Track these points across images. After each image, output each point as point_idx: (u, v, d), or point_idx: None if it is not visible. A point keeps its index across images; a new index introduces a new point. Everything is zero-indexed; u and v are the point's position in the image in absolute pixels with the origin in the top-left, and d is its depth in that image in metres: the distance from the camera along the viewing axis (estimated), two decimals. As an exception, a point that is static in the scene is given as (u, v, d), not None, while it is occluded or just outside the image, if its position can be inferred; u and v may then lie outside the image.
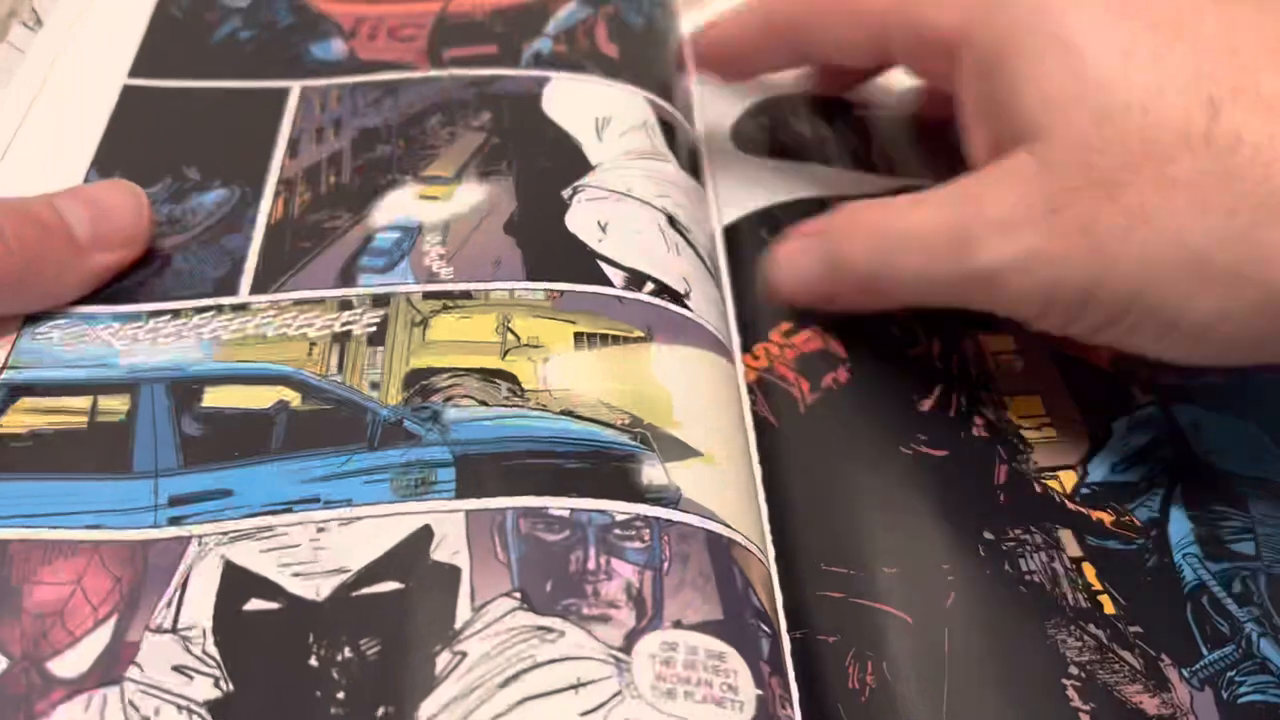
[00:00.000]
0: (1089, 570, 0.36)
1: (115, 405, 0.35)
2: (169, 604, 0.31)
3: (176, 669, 0.30)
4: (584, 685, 0.29)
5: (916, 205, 0.37)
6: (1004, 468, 0.38)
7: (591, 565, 0.31)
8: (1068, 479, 0.38)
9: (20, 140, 0.43)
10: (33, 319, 0.37)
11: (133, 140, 0.43)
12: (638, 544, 0.32)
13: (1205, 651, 0.35)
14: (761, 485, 0.38)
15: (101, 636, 0.30)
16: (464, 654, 0.29)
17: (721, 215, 0.46)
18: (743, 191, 0.47)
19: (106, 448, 0.34)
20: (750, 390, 0.40)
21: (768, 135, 0.49)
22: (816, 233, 0.40)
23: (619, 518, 0.32)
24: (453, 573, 0.31)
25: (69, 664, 0.30)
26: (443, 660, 0.29)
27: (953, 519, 0.37)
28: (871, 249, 0.38)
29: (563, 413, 0.35)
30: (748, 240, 0.45)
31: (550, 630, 0.30)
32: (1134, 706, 0.33)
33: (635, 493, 0.33)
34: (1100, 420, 0.40)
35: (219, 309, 0.38)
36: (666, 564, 0.32)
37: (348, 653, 0.30)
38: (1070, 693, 0.33)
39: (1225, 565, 0.36)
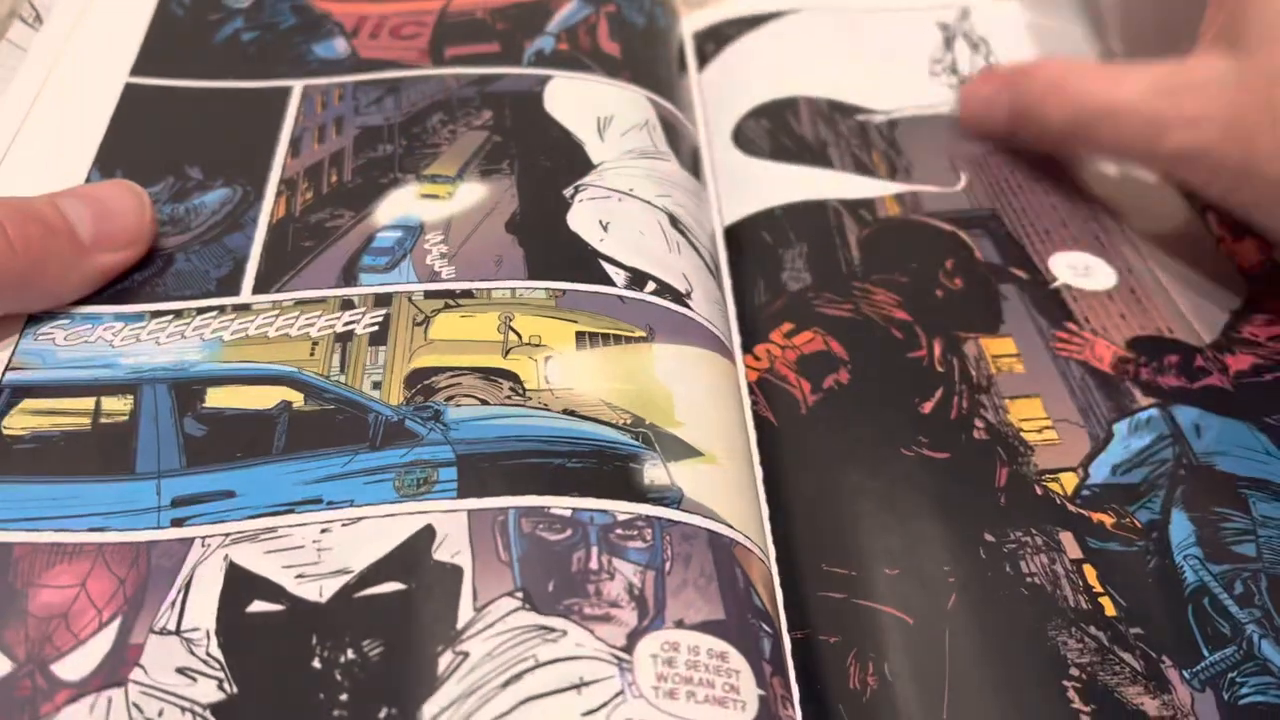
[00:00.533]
0: (1090, 572, 0.36)
1: (117, 406, 0.35)
2: (172, 605, 0.31)
3: (180, 671, 0.29)
4: (586, 685, 0.29)
5: (1117, 83, 0.44)
6: (1005, 470, 0.38)
7: (593, 565, 0.31)
8: (1069, 481, 0.38)
9: (22, 139, 0.43)
10: (35, 320, 0.37)
11: (135, 139, 0.43)
12: (640, 544, 0.32)
13: (1206, 653, 0.34)
14: (762, 485, 0.38)
15: (105, 638, 0.30)
16: (466, 654, 0.29)
17: (723, 216, 0.46)
18: (744, 192, 0.47)
19: (109, 449, 0.34)
20: (751, 390, 0.40)
21: (769, 137, 0.49)
22: (1004, 83, 0.49)
23: (621, 517, 0.32)
24: (455, 573, 0.31)
25: (73, 666, 0.30)
26: (445, 660, 0.29)
27: (954, 521, 0.37)
28: (1069, 115, 0.46)
29: (564, 412, 0.35)
30: (749, 241, 0.45)
31: (552, 630, 0.30)
32: (1135, 708, 0.33)
33: (637, 492, 0.33)
34: (1101, 422, 0.40)
35: (221, 309, 0.38)
36: (668, 564, 0.32)
37: (350, 654, 0.30)
38: (1071, 694, 0.33)
39: (1226, 567, 0.36)
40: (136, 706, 0.29)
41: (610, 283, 0.39)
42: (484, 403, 0.35)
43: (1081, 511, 0.38)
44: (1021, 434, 0.39)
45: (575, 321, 0.37)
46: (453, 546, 0.31)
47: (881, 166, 0.49)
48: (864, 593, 0.35)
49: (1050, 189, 0.48)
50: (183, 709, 0.29)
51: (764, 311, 0.43)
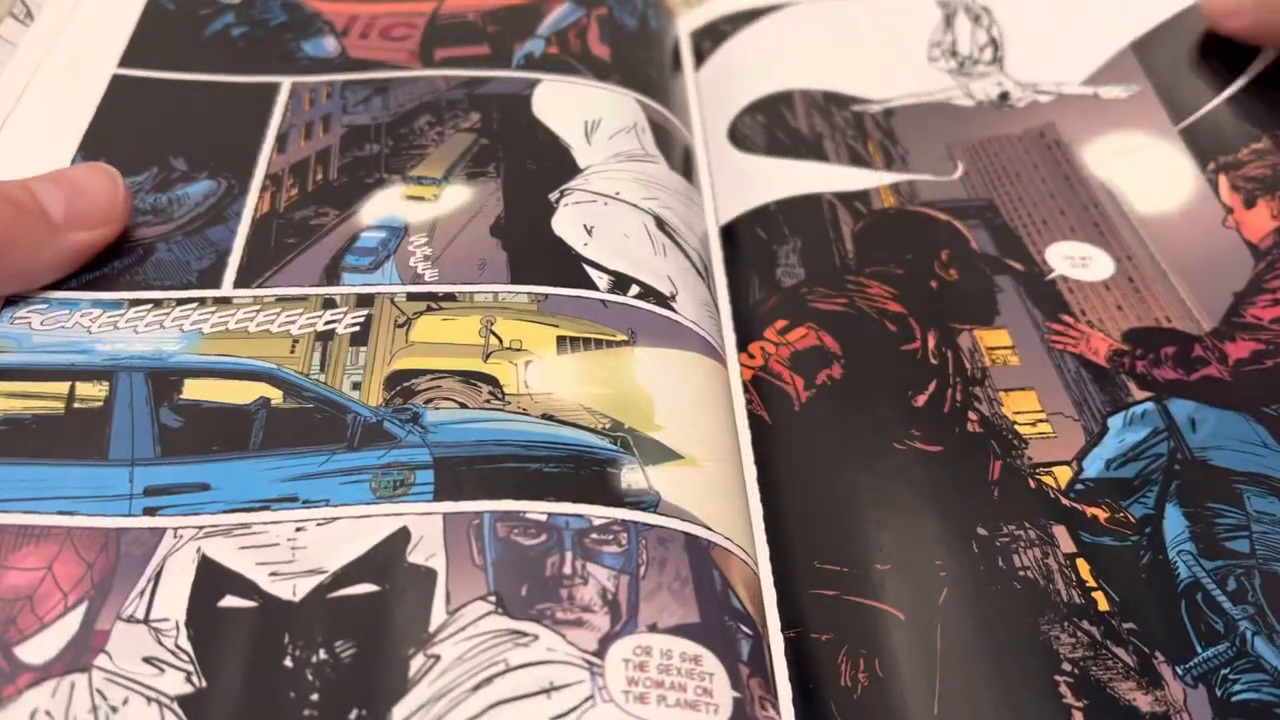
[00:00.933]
0: (1083, 566, 0.36)
1: (92, 392, 0.35)
2: (141, 594, 0.31)
3: (147, 660, 0.30)
4: (556, 689, 0.29)
5: None
6: (998, 463, 0.38)
7: (567, 569, 0.31)
8: (1062, 475, 0.38)
9: (8, 128, 0.43)
10: (11, 303, 0.38)
11: (120, 129, 0.44)
12: (615, 548, 0.32)
13: (1199, 649, 0.34)
14: (757, 485, 0.38)
15: (71, 623, 0.30)
16: (437, 657, 0.29)
17: (719, 215, 0.46)
18: (740, 190, 0.47)
19: (83, 434, 0.34)
20: (746, 389, 0.40)
21: (765, 133, 0.49)
22: None
23: (597, 522, 0.32)
24: (429, 575, 0.31)
25: (36, 649, 0.30)
26: (416, 663, 0.29)
27: (946, 515, 0.37)
28: None
29: (543, 416, 0.35)
30: (745, 238, 0.45)
31: (524, 634, 0.30)
32: (1127, 704, 0.33)
33: (614, 496, 0.33)
34: (1096, 416, 0.40)
35: (201, 301, 0.38)
36: (643, 568, 0.32)
37: (322, 654, 0.30)
38: (1063, 690, 0.33)
39: (1220, 563, 0.36)
40: (100, 693, 0.29)
41: (593, 287, 0.39)
42: (463, 406, 0.35)
43: (1075, 505, 0.37)
44: (1015, 427, 0.39)
45: (556, 326, 0.38)
46: (427, 549, 0.32)
47: (877, 157, 0.48)
48: (856, 589, 0.35)
49: (1048, 176, 0.48)
50: (148, 699, 0.29)
51: (759, 309, 0.43)
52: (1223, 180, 0.47)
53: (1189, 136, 0.48)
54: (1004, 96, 0.51)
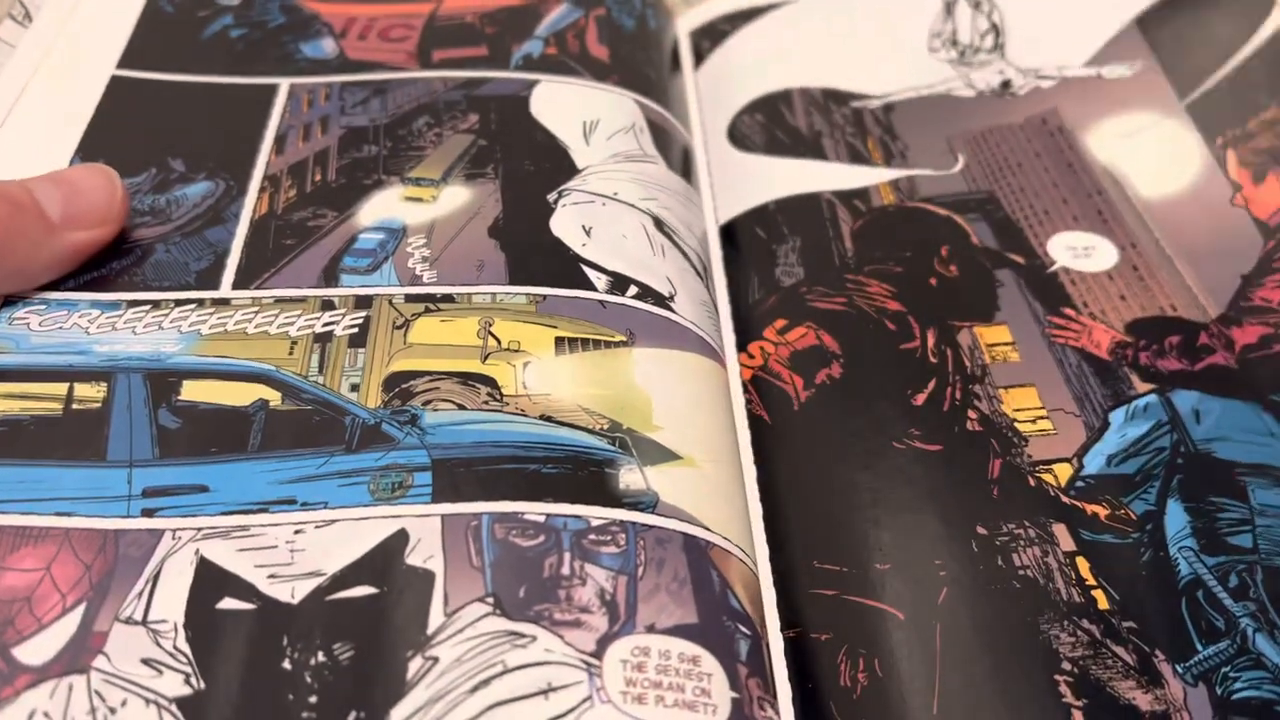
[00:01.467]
0: (1083, 565, 0.36)
1: (90, 393, 0.35)
2: (139, 595, 0.31)
3: (146, 662, 0.30)
4: (554, 690, 0.29)
5: None
6: (998, 461, 0.38)
7: (565, 571, 0.31)
8: (1062, 472, 0.38)
9: (6, 128, 0.43)
10: (9, 304, 0.38)
11: (119, 130, 0.44)
12: (613, 549, 0.32)
13: (1200, 647, 0.34)
14: (756, 485, 0.37)
15: (69, 624, 0.30)
16: (435, 659, 0.29)
17: (719, 214, 0.46)
18: (740, 189, 0.47)
19: (81, 435, 0.34)
20: (746, 389, 0.40)
21: (764, 132, 0.49)
22: None
23: (595, 523, 0.32)
24: (427, 577, 0.31)
25: (35, 650, 0.30)
26: (414, 665, 0.29)
27: (946, 514, 0.37)
28: None
29: (541, 417, 0.35)
30: (744, 238, 0.45)
31: (521, 636, 0.30)
32: (1127, 702, 0.33)
33: (612, 497, 0.33)
34: (1097, 411, 0.39)
35: (200, 302, 0.38)
36: (641, 569, 0.32)
37: (321, 656, 0.30)
38: (1063, 689, 0.33)
39: (1222, 559, 0.36)
40: (99, 694, 0.29)
41: (591, 287, 0.39)
42: (461, 407, 0.35)
43: (1075, 503, 0.37)
44: (1015, 424, 0.39)
45: (555, 327, 0.38)
46: (425, 551, 0.32)
47: (877, 153, 0.48)
48: (855, 589, 0.35)
49: (1051, 164, 0.48)
50: (147, 700, 0.29)
51: (758, 309, 0.43)
52: (1231, 156, 0.46)
53: (1196, 111, 0.48)
54: (1006, 85, 0.51)
